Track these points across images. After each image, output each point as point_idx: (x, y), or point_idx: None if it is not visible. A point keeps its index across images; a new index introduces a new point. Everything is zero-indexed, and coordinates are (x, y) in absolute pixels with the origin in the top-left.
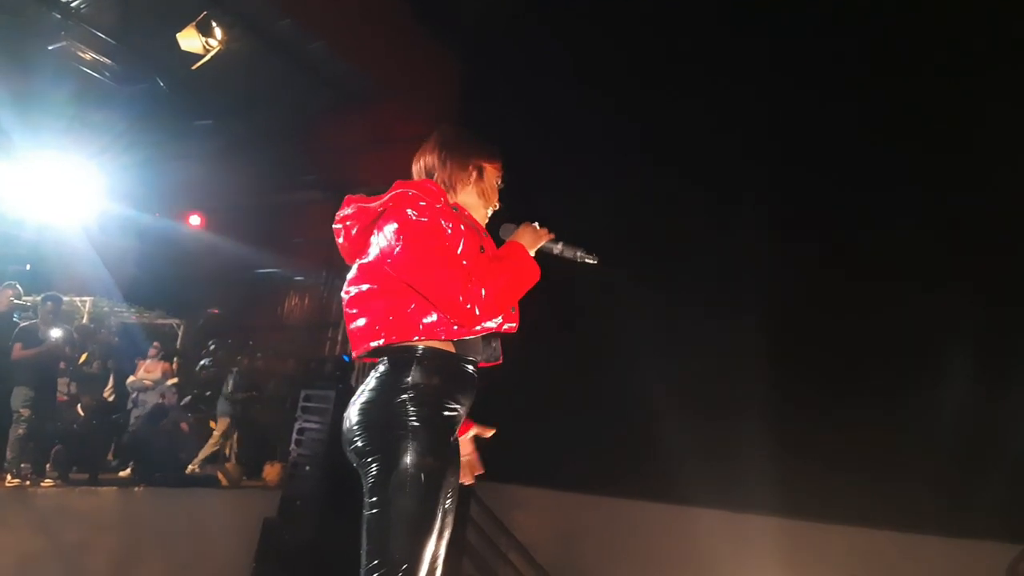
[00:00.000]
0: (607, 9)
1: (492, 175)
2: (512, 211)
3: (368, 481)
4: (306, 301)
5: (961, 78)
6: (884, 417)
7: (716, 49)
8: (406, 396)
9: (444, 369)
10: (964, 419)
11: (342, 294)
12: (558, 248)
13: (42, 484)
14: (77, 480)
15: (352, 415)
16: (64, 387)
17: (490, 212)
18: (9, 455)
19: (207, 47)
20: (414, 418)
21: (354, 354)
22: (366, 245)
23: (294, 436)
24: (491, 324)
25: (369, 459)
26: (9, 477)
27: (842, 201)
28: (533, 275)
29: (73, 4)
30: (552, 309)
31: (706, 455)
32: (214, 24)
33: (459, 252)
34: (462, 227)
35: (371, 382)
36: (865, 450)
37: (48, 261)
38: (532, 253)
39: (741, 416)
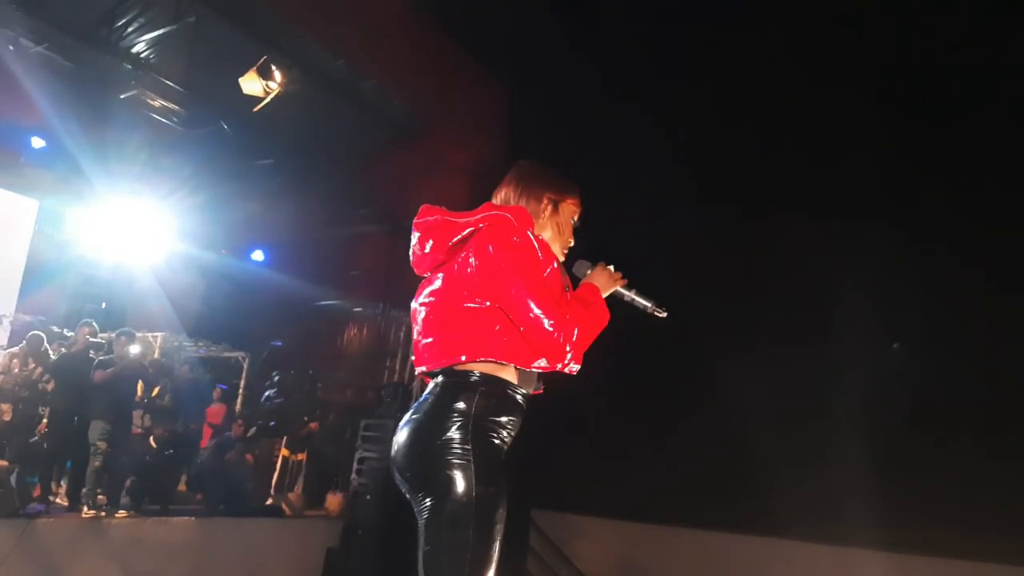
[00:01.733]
0: (658, 34)
1: (568, 211)
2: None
3: (421, 511)
4: (364, 332)
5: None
6: (991, 448)
7: (779, 74)
8: (459, 422)
9: (498, 397)
10: None
11: (416, 305)
12: (629, 295)
13: (116, 515)
14: (149, 510)
15: (402, 439)
16: (138, 420)
17: (565, 250)
18: (86, 487)
19: (267, 90)
20: (467, 446)
21: (420, 369)
22: (445, 258)
23: (355, 465)
24: (572, 363)
25: (421, 488)
26: (86, 508)
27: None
28: (605, 320)
29: (143, 55)
30: (616, 331)
31: (791, 483)
32: (274, 68)
33: (549, 285)
34: (555, 264)
35: (424, 405)
36: (970, 481)
37: (121, 299)
38: (604, 295)
39: (833, 441)
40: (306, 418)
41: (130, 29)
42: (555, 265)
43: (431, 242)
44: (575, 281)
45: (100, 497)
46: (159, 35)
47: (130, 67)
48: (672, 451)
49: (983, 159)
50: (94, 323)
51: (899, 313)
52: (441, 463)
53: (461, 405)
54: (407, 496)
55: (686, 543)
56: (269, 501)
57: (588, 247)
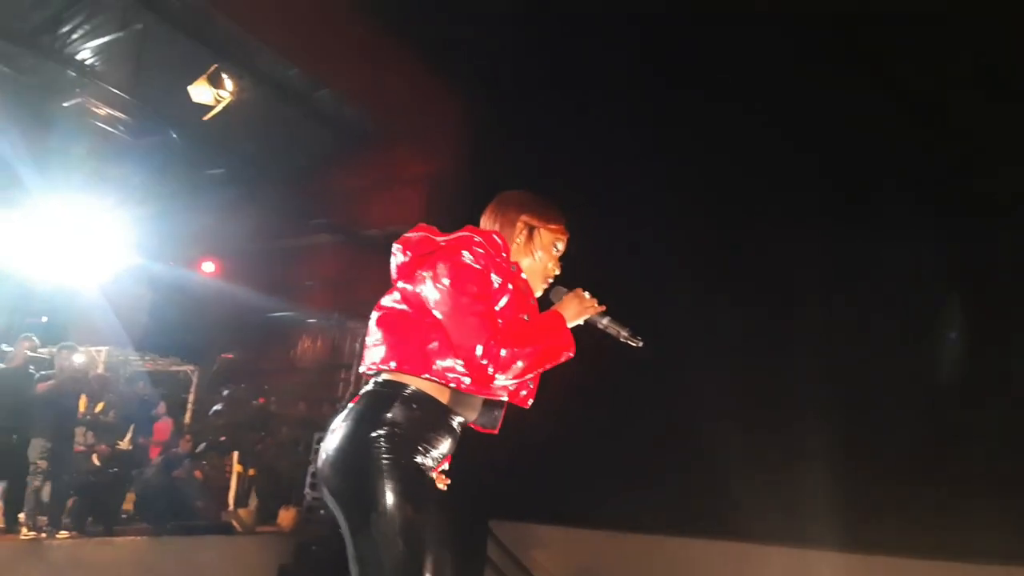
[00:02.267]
0: (621, 42)
1: (547, 238)
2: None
3: (345, 524)
4: (318, 343)
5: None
6: (959, 446)
7: (734, 87)
8: (380, 434)
9: (425, 415)
10: None
11: (374, 311)
12: (604, 323)
13: (58, 536)
14: (93, 531)
15: (327, 447)
16: (81, 437)
17: (550, 280)
18: (26, 507)
19: (218, 98)
20: (392, 457)
21: (363, 369)
22: (414, 270)
23: (308, 480)
24: (501, 390)
25: (346, 500)
26: (25, 530)
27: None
28: (564, 348)
29: (88, 62)
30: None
31: (749, 486)
32: (224, 76)
33: (499, 308)
34: (510, 286)
35: (352, 414)
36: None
37: (64, 313)
38: (574, 323)
39: (790, 443)
40: (263, 433)
41: (75, 36)
42: (519, 292)
43: (408, 255)
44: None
45: (40, 518)
46: (105, 42)
47: (74, 74)
48: (629, 457)
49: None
50: (34, 337)
51: (864, 315)
52: (364, 475)
53: (389, 416)
54: (332, 507)
55: (645, 549)
56: (222, 518)
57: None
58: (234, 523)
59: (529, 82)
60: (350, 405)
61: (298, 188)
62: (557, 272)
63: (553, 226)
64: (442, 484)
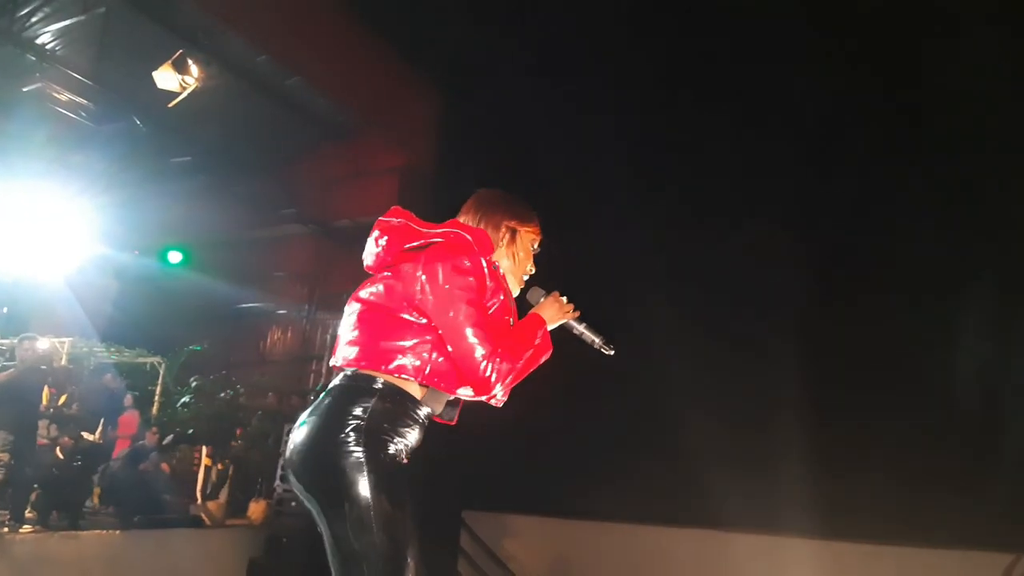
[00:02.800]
0: (593, 37)
1: (527, 238)
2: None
3: (321, 516)
4: (288, 335)
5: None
6: (927, 432)
7: (706, 73)
8: (353, 426)
9: (395, 409)
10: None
11: (352, 300)
12: (579, 328)
13: (20, 530)
14: (57, 525)
15: (297, 439)
16: (44, 430)
17: (525, 277)
18: None
19: (183, 85)
20: (362, 449)
21: (335, 362)
22: (394, 261)
23: (279, 472)
24: (497, 397)
25: (317, 493)
26: None
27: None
28: (546, 352)
29: (48, 46)
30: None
31: (723, 474)
32: (190, 62)
33: (491, 314)
34: (501, 296)
35: (321, 407)
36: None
37: (25, 303)
38: (552, 327)
39: (768, 431)
40: (235, 426)
41: (34, 19)
42: (502, 297)
43: (386, 241)
44: (527, 308)
45: (2, 512)
46: (66, 26)
47: (34, 59)
48: (601, 446)
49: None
50: None
51: (839, 306)
52: (337, 467)
53: (358, 410)
54: (303, 499)
55: (618, 538)
56: (191, 511)
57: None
58: (203, 516)
59: (502, 74)
60: (320, 398)
61: (268, 178)
62: (533, 271)
63: (532, 227)
64: None
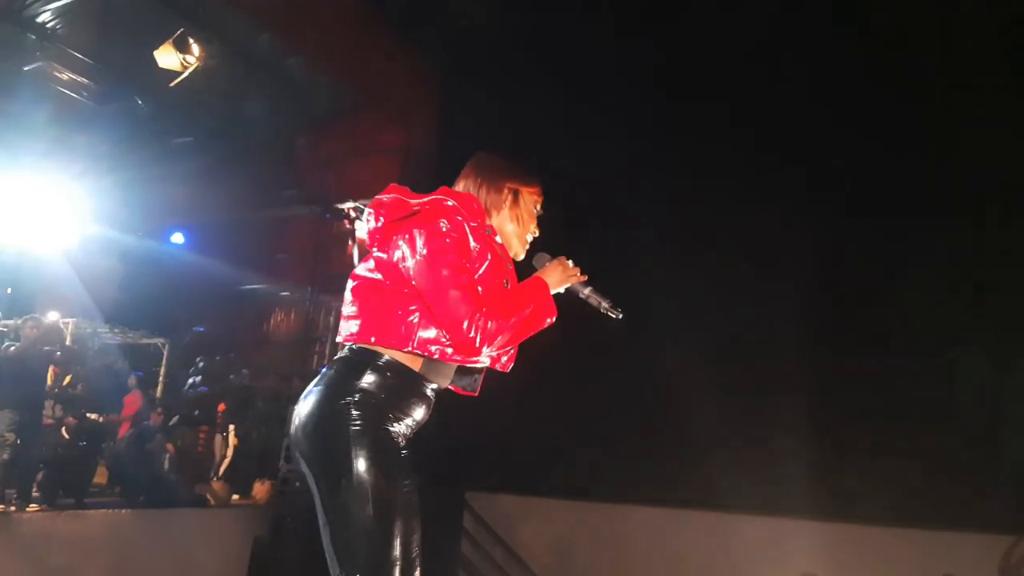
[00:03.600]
0: (592, 13)
1: (529, 200)
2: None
3: (315, 489)
4: (292, 316)
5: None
6: (927, 413)
7: (714, 52)
8: (351, 400)
9: (398, 383)
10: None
11: (350, 277)
12: (586, 292)
13: (27, 509)
14: (63, 504)
15: (301, 411)
16: (49, 410)
17: (529, 238)
18: None
19: (185, 64)
20: (357, 425)
21: (339, 339)
22: (389, 237)
23: (283, 452)
24: (485, 359)
25: (314, 464)
26: None
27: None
28: (547, 316)
29: (48, 24)
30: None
31: (727, 456)
32: (191, 41)
33: (478, 276)
34: (489, 255)
35: (324, 379)
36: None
37: (29, 284)
38: (556, 291)
39: (772, 412)
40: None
41: None
42: (490, 257)
43: (382, 219)
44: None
45: (9, 491)
46: (67, 4)
47: (35, 37)
48: (605, 428)
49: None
50: None
51: (840, 289)
52: (335, 440)
53: (361, 384)
54: (304, 472)
55: (620, 520)
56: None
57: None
58: (208, 496)
59: (504, 51)
60: (323, 370)
61: (269, 158)
62: (537, 234)
63: (534, 188)
64: None
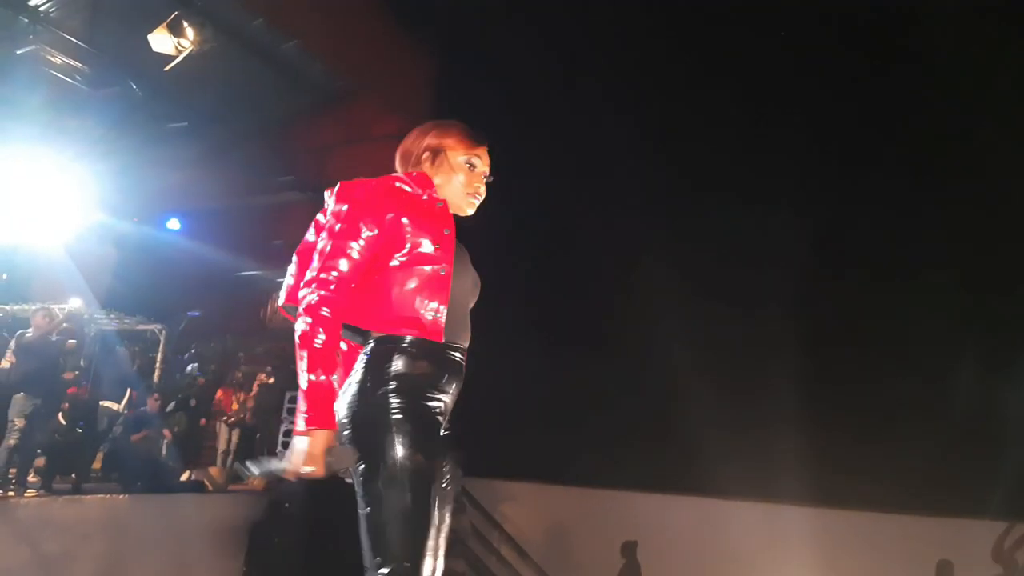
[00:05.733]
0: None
1: (454, 156)
2: (495, 202)
3: (357, 477)
4: None
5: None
6: (923, 401)
7: (709, 42)
8: (387, 388)
9: (426, 359)
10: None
11: None
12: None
13: (25, 495)
14: (60, 489)
15: (340, 408)
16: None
17: (473, 194)
18: None
19: (179, 48)
20: (396, 413)
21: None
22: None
23: (280, 438)
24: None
25: (356, 455)
26: None
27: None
28: (308, 382)
29: (41, 8)
30: (541, 291)
31: (717, 442)
32: (186, 24)
33: (376, 235)
34: (391, 215)
35: (355, 373)
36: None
37: (23, 270)
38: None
39: (766, 399)
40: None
41: None
42: (391, 215)
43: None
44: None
45: (9, 475)
46: None
47: (27, 20)
48: (598, 413)
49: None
50: None
51: (834, 278)
52: (375, 430)
53: (393, 370)
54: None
55: (613, 504)
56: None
57: (516, 206)
58: (205, 481)
59: (498, 39)
60: (355, 366)
61: (264, 145)
62: (481, 188)
63: (458, 142)
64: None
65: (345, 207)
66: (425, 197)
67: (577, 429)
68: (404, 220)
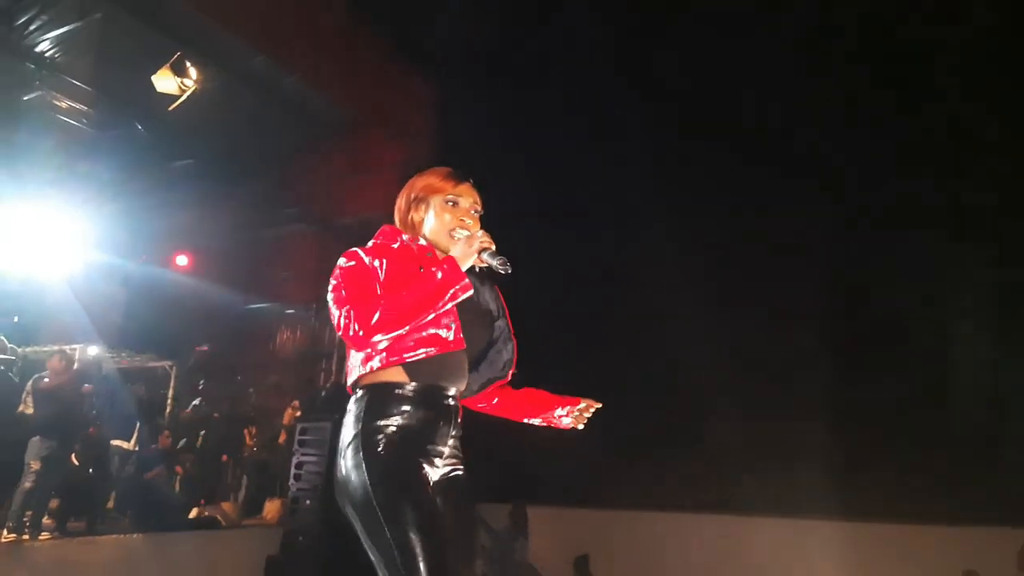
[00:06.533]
0: (584, 32)
1: (434, 200)
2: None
3: (357, 526)
4: (298, 334)
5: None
6: (944, 412)
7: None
8: (362, 436)
9: (382, 399)
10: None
11: None
12: (485, 257)
13: (40, 537)
14: (75, 531)
15: (339, 467)
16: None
17: (461, 233)
18: (13, 509)
19: (183, 87)
20: (358, 453)
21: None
22: None
23: (293, 471)
24: (387, 342)
25: (350, 502)
26: (6, 532)
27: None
28: (445, 285)
29: (47, 53)
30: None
31: (738, 460)
32: (188, 64)
33: (377, 280)
34: (377, 261)
35: (344, 428)
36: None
37: (32, 312)
38: (469, 262)
39: (777, 413)
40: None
41: (32, 27)
42: (399, 260)
43: None
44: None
45: (25, 519)
46: (64, 32)
47: (33, 67)
48: (620, 436)
49: None
50: (2, 338)
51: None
52: (359, 473)
53: (350, 418)
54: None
55: (629, 526)
56: (198, 512)
57: (527, 222)
58: (218, 517)
59: (500, 68)
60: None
61: (270, 178)
62: (468, 223)
63: (430, 183)
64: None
65: (335, 283)
66: (396, 245)
67: (593, 450)
68: (377, 266)
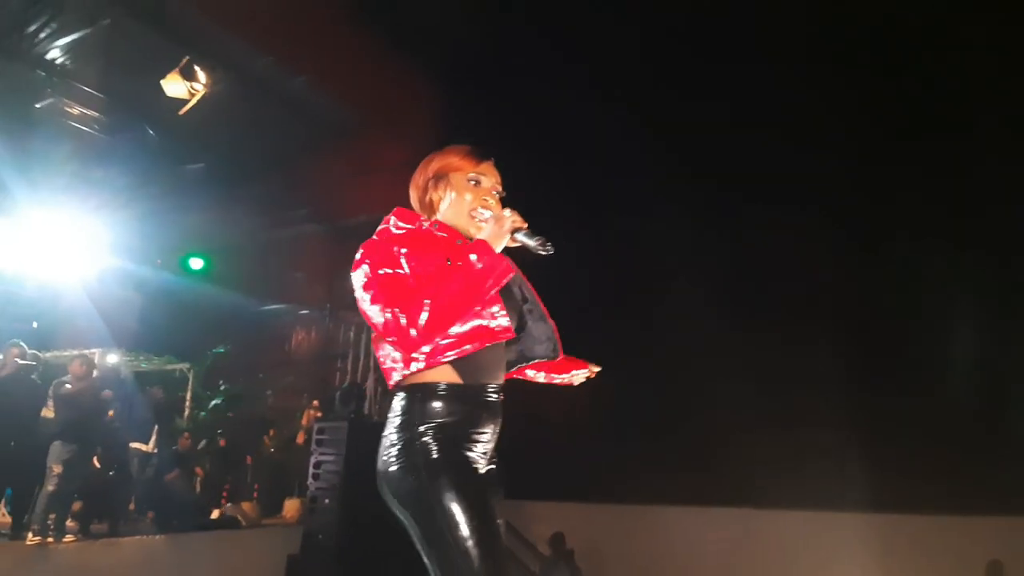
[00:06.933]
0: (591, 28)
1: (456, 177)
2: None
3: (411, 527)
4: (312, 334)
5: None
6: (964, 401)
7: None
8: (412, 438)
9: (432, 400)
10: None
11: None
12: (521, 237)
13: (64, 540)
14: (97, 533)
15: (379, 458)
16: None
17: (484, 213)
18: (37, 511)
19: (192, 91)
20: (433, 454)
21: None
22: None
23: (311, 470)
24: (446, 341)
25: (405, 504)
26: (30, 535)
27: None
28: (487, 273)
29: (57, 61)
30: (560, 309)
31: (752, 453)
32: (197, 68)
33: (408, 273)
34: (403, 250)
35: (389, 423)
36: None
37: (49, 317)
38: (502, 244)
39: (795, 405)
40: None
41: (42, 35)
42: (427, 247)
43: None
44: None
45: (50, 516)
46: (73, 40)
47: (44, 74)
48: (624, 430)
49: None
50: (23, 344)
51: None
52: (416, 474)
53: (409, 420)
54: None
55: (648, 521)
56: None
57: (539, 226)
58: (239, 517)
59: (507, 66)
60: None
61: (280, 179)
62: (491, 203)
63: (452, 161)
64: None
65: (366, 281)
66: (414, 228)
67: (607, 445)
68: (404, 255)
